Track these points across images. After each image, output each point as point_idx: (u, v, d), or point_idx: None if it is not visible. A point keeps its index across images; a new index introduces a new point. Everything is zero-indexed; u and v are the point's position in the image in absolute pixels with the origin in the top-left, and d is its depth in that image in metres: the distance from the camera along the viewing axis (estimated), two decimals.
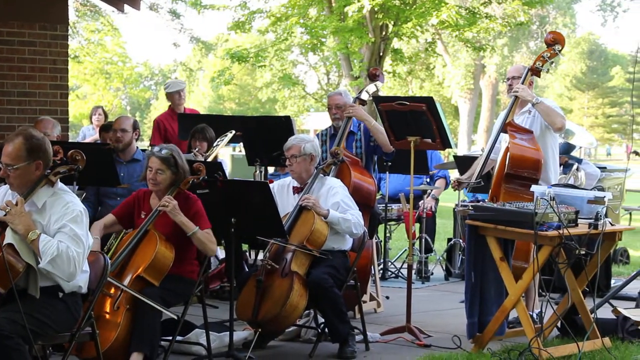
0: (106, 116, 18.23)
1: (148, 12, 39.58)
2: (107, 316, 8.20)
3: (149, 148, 10.70)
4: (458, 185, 10.82)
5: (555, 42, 10.09)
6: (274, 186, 9.94)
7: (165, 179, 8.69)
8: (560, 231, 8.69)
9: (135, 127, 11.45)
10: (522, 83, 10.06)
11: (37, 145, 7.10)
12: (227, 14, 77.55)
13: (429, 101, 10.39)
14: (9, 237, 6.91)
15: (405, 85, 53.13)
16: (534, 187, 9.27)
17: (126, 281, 8.33)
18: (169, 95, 14.17)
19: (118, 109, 59.47)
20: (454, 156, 14.51)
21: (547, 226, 8.70)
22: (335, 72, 52.62)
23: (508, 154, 9.73)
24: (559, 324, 9.75)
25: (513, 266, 9.36)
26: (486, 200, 9.94)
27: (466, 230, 9.89)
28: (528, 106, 10.08)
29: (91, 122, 18.85)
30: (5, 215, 6.93)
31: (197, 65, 69.78)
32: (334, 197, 9.64)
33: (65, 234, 6.90)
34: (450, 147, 10.83)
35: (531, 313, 9.61)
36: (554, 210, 8.70)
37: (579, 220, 8.98)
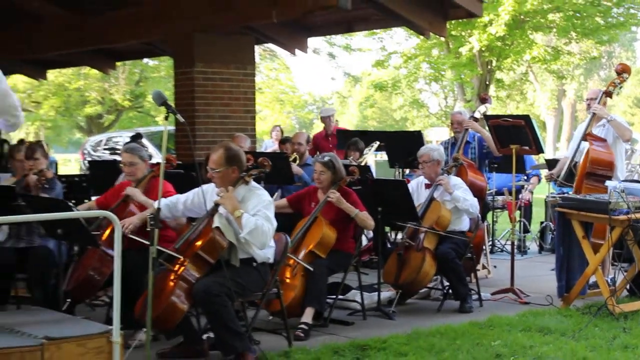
0: (282, 132, 18.36)
1: (312, 54, 39.83)
2: (288, 280, 8.29)
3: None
4: (550, 177, 10.79)
5: (623, 71, 9.88)
6: (411, 184, 9.93)
7: (327, 178, 8.74)
8: (629, 216, 8.54)
9: (308, 140, 11.73)
10: (598, 103, 9.90)
11: (233, 155, 7.23)
12: (371, 55, 77.77)
13: (526, 118, 10.36)
14: (216, 222, 7.04)
15: (504, 106, 52.32)
16: (607, 182, 9.10)
17: (301, 255, 8.40)
18: (322, 119, 14.31)
19: (290, 127, 59.84)
20: (545, 159, 14.29)
21: (618, 212, 8.54)
22: (451, 96, 52.05)
23: (589, 157, 9.58)
24: (628, 287, 9.55)
25: (592, 242, 9.17)
26: (571, 193, 9.79)
27: (555, 215, 9.78)
28: (603, 121, 9.89)
29: (271, 137, 19.01)
30: (220, 198, 7.10)
31: (347, 93, 69.70)
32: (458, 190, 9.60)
33: (260, 216, 7.00)
34: (543, 152, 10.76)
35: (606, 278, 9.41)
36: (623, 199, 8.54)
37: None
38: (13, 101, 6.87)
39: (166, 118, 6.72)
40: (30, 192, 8.40)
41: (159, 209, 6.70)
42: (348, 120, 65.85)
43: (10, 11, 14.99)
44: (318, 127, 71.98)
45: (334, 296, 8.74)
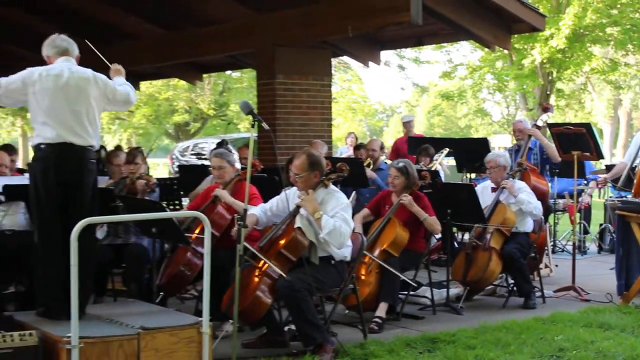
0: (356, 139, 18.36)
1: (383, 66, 39.82)
2: (363, 277, 8.29)
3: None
4: (605, 183, 10.67)
5: None
6: (478, 187, 9.86)
7: (400, 182, 8.73)
8: None
9: (382, 147, 11.69)
10: None
11: (315, 161, 7.25)
12: (438, 66, 77.50)
13: (587, 126, 10.24)
14: (297, 223, 7.05)
15: (564, 115, 51.74)
16: None
17: (376, 253, 8.39)
18: (404, 124, 14.32)
19: (361, 134, 59.94)
20: (605, 165, 14.14)
21: None
22: (513, 106, 51.64)
23: None
24: None
25: None
26: (630, 197, 9.64)
27: (615, 217, 9.65)
28: None
29: (346, 143, 19.03)
30: (301, 200, 7.12)
31: (415, 102, 69.46)
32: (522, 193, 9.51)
33: (338, 218, 7.00)
34: (603, 158, 10.64)
35: None
36: None
37: None
38: (121, 95, 7.22)
39: (252, 126, 6.78)
40: (137, 195, 8.55)
41: (245, 210, 6.75)
42: (415, 128, 65.83)
43: (111, 29, 15.27)
44: (386, 133, 72.02)
45: (406, 292, 8.72)
